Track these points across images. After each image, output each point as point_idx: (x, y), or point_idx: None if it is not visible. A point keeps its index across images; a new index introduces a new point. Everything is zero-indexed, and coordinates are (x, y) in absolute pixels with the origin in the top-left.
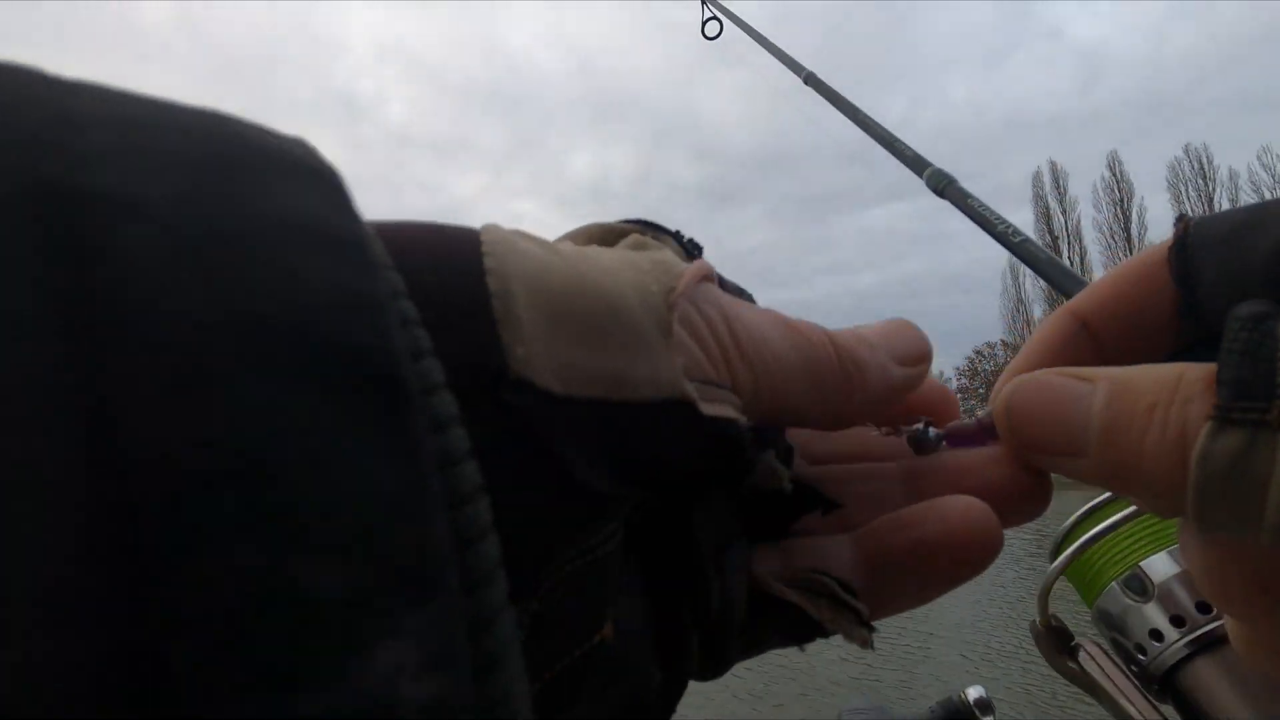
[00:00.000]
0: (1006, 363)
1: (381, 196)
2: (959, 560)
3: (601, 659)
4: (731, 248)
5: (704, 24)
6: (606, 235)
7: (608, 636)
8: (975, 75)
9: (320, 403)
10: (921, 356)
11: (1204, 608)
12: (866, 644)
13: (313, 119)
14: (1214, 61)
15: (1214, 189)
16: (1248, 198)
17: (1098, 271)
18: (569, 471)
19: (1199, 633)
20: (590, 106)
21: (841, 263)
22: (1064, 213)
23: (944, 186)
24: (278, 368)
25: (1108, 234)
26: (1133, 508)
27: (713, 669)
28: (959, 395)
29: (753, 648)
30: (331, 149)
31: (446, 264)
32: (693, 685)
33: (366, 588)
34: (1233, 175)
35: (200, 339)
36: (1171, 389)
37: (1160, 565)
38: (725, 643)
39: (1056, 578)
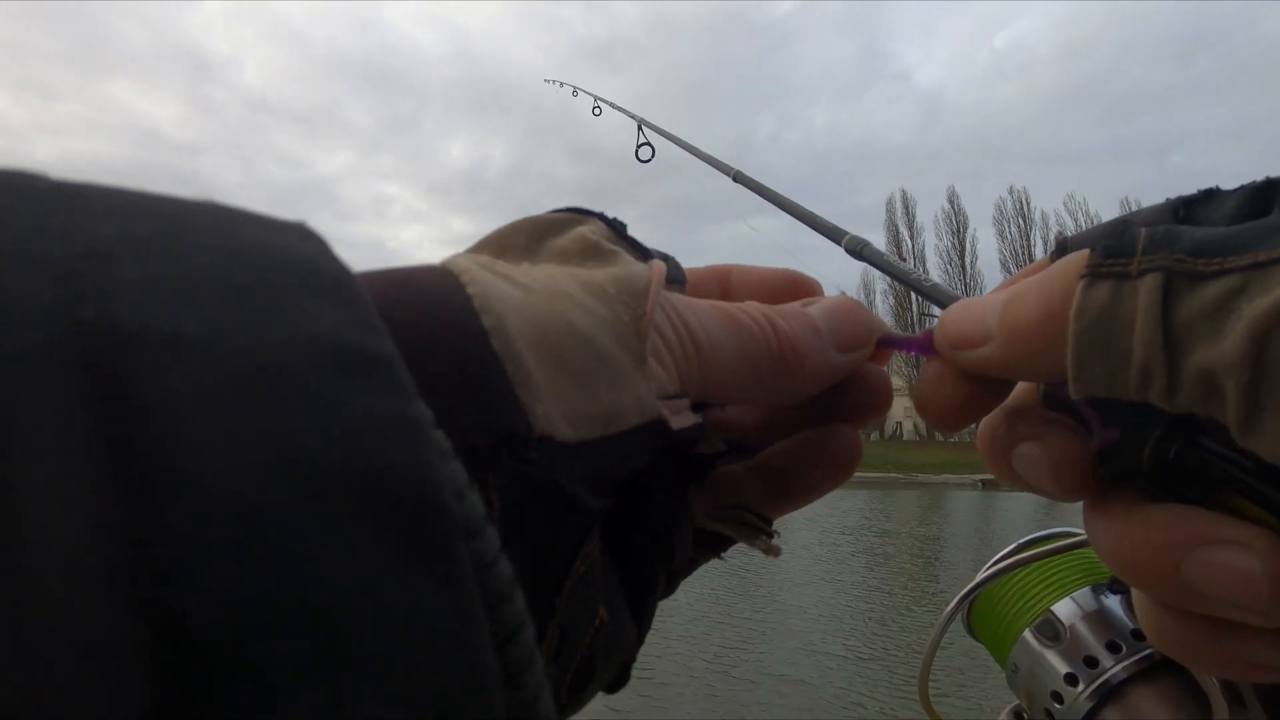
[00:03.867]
0: None
1: (232, 165)
2: (841, 472)
3: (603, 637)
4: None
5: (637, 149)
6: (549, 229)
7: (604, 618)
8: (835, 104)
9: (372, 541)
10: (864, 341)
11: (1114, 647)
12: (777, 553)
13: (150, 73)
14: (1030, 117)
15: (1030, 228)
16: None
17: None
18: (576, 501)
19: (1111, 672)
20: (469, 94)
21: None
22: (912, 237)
23: (861, 249)
24: (329, 508)
25: (946, 259)
26: (1020, 555)
27: (667, 595)
28: None
29: (690, 568)
30: (172, 107)
31: (447, 327)
32: None
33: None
34: (1044, 217)
35: (251, 483)
36: (1056, 269)
37: (1068, 608)
38: (680, 578)
39: (940, 637)
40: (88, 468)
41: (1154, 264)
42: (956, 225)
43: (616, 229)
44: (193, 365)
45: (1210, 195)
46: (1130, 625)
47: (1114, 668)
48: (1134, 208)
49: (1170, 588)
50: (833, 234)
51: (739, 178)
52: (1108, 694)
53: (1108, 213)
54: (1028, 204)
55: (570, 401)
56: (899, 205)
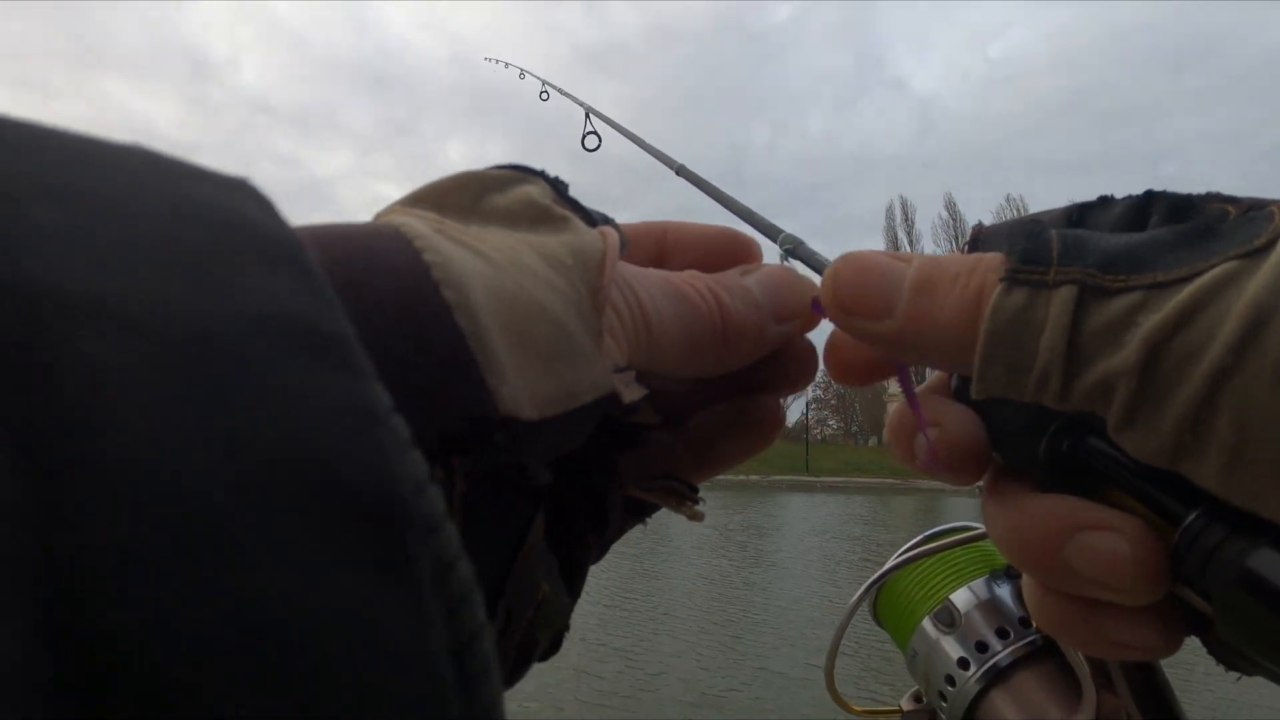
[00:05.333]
0: None
1: (229, 164)
2: (764, 440)
3: (544, 611)
4: None
5: (584, 137)
6: (492, 185)
7: (546, 593)
8: (831, 112)
9: (322, 540)
10: (800, 311)
11: (1003, 633)
12: (700, 518)
13: (148, 72)
14: (1024, 126)
15: None
16: None
17: None
18: (532, 480)
19: (999, 656)
20: (467, 97)
21: None
22: (910, 245)
23: (795, 248)
24: (272, 502)
25: None
26: (927, 546)
27: (597, 561)
28: (814, 405)
29: (616, 535)
30: (171, 107)
31: (407, 300)
32: None
33: None
34: None
35: (181, 472)
36: (973, 264)
37: (965, 597)
38: (609, 545)
39: (849, 621)
40: None
41: (1069, 276)
42: (955, 233)
43: (559, 190)
44: (117, 334)
45: (1104, 202)
46: (1019, 612)
47: (1002, 652)
48: None
49: (1052, 570)
50: (769, 231)
51: (682, 172)
52: (995, 676)
53: None
54: (1025, 212)
55: (533, 380)
56: (898, 212)
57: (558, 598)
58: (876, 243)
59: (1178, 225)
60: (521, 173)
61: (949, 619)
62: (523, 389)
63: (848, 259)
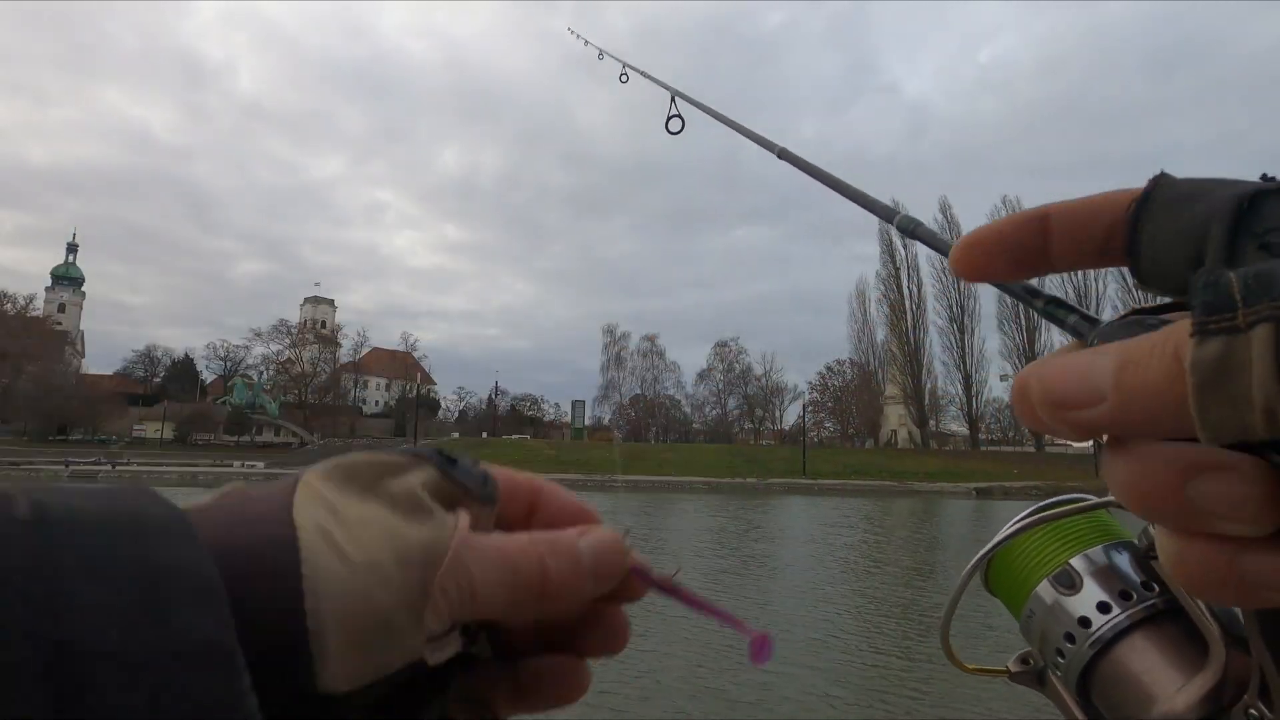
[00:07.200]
0: (854, 381)
1: (225, 170)
2: (567, 698)
3: None
4: (600, 255)
5: (668, 120)
6: (392, 470)
7: None
8: (823, 116)
9: None
10: (617, 576)
11: (1125, 595)
12: None
13: (144, 78)
14: (1016, 130)
15: None
16: None
17: (930, 302)
18: None
19: (1121, 616)
20: (461, 102)
21: (704, 278)
22: (905, 247)
23: (914, 229)
24: None
25: (939, 269)
26: (1037, 516)
27: None
28: (811, 408)
29: None
30: (166, 112)
31: (278, 605)
32: None
33: None
34: None
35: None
36: (1165, 334)
37: (1083, 563)
38: None
39: (967, 582)
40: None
41: (1260, 314)
42: (950, 235)
43: (447, 471)
44: (120, 673)
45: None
46: (1138, 578)
47: (1123, 613)
48: None
49: (1177, 511)
50: (884, 213)
51: (784, 155)
52: (1117, 636)
53: None
54: None
55: (356, 665)
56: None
57: None
58: (871, 245)
59: None
60: (418, 458)
61: (1069, 581)
62: (344, 669)
63: (1043, 364)
